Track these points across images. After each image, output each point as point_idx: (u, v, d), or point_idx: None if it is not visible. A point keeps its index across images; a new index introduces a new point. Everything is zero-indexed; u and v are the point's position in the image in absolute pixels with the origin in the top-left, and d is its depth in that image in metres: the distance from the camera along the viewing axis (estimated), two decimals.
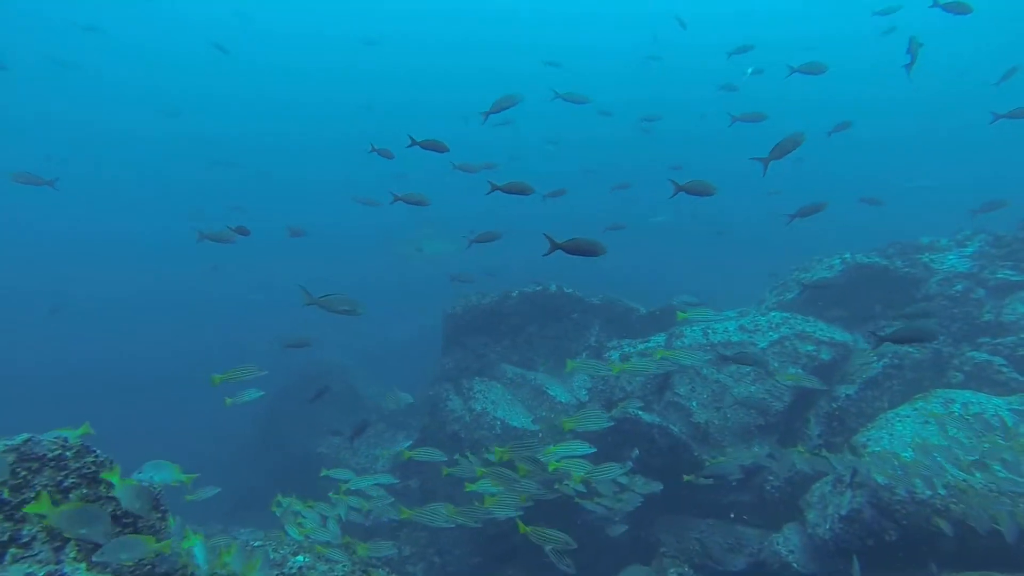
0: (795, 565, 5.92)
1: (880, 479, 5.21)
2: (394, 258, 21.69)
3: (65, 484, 2.98)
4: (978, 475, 4.91)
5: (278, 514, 5.16)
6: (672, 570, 6.35)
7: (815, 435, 6.80)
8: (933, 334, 5.07)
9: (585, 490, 5.54)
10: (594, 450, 5.20)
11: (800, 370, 7.02)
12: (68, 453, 3.08)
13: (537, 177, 5.83)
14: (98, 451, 3.27)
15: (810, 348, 7.31)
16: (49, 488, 2.91)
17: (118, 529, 3.01)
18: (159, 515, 3.35)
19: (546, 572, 5.63)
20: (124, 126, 33.39)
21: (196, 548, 3.07)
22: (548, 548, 4.60)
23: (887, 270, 8.30)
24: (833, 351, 7.32)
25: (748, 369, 7.09)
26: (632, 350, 8.36)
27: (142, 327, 24.07)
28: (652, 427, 6.93)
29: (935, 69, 28.00)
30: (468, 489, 5.29)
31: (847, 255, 8.63)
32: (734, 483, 6.51)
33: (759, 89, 15.77)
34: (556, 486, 5.57)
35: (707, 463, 6.40)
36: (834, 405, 6.84)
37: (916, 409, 5.92)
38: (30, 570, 2.57)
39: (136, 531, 3.08)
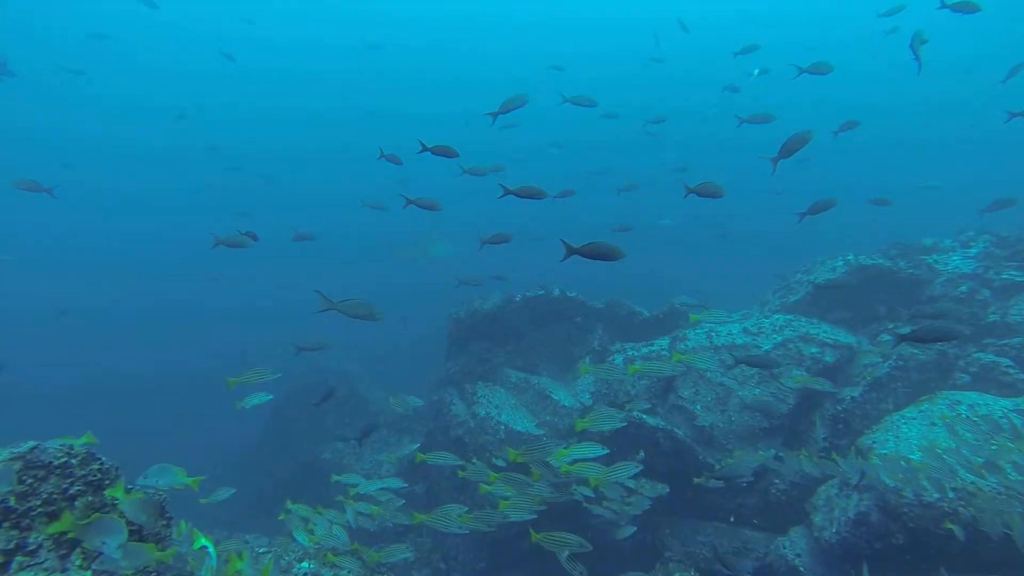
0: (802, 569, 5.89)
1: (887, 482, 5.18)
2: (398, 262, 21.71)
3: (71, 492, 3.00)
4: (988, 478, 4.88)
5: (286, 520, 5.16)
6: (677, 574, 6.33)
7: (821, 438, 6.76)
8: (956, 333, 5.01)
9: (593, 495, 5.52)
10: (607, 451, 5.18)
11: (804, 372, 7.00)
12: (74, 461, 3.10)
13: (540, 181, 5.83)
14: (103, 458, 3.28)
15: (814, 350, 7.28)
16: (55, 495, 2.92)
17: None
18: (164, 522, 3.36)
19: None
20: (130, 134, 33.63)
21: (210, 551, 3.07)
22: (564, 554, 4.58)
23: (891, 271, 8.27)
24: (837, 353, 7.29)
25: (752, 372, 7.07)
26: (636, 353, 8.35)
27: (146, 335, 24.16)
28: (656, 430, 6.91)
29: (940, 69, 27.95)
30: (483, 491, 5.27)
31: (850, 256, 8.60)
32: (744, 484, 6.48)
33: (762, 91, 15.78)
34: (573, 488, 5.56)
35: (716, 466, 6.38)
36: (839, 407, 6.81)
37: (922, 411, 5.89)
38: None
39: (141, 539, 3.09)
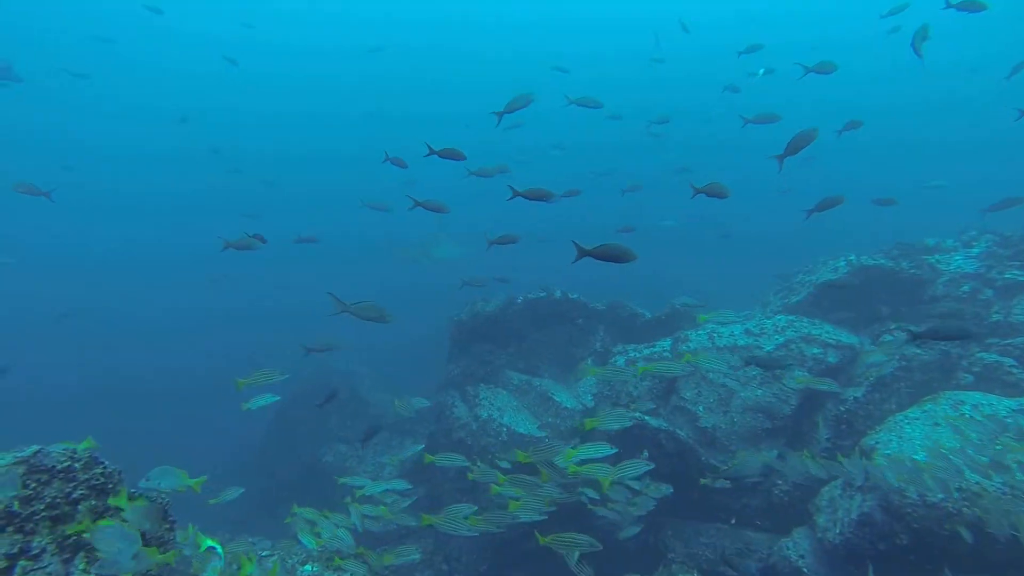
0: (805, 570, 5.87)
1: (891, 482, 5.16)
2: (400, 264, 21.73)
3: (74, 496, 3.00)
4: (994, 478, 4.86)
5: (291, 523, 5.17)
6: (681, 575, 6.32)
7: (824, 438, 6.75)
8: (971, 332, 4.98)
9: (598, 496, 5.51)
10: (615, 451, 5.18)
11: (806, 373, 6.99)
12: (77, 465, 3.10)
13: (543, 182, 5.83)
14: (106, 462, 3.29)
15: (816, 351, 7.27)
16: (58, 499, 2.92)
17: None
18: (167, 526, 3.36)
19: None
20: (133, 137, 33.74)
21: (218, 551, 3.06)
22: (575, 556, 4.56)
23: (893, 272, 8.26)
24: (839, 354, 7.28)
25: (755, 372, 7.06)
26: (637, 355, 8.34)
27: (149, 337, 24.19)
28: (659, 432, 6.90)
29: (944, 68, 27.91)
30: (494, 492, 5.27)
31: (852, 257, 8.59)
32: (754, 483, 6.47)
33: (763, 92, 15.76)
34: (580, 490, 5.55)
35: (719, 468, 6.37)
36: (842, 408, 6.80)
37: (925, 411, 5.87)
38: None
39: (145, 543, 3.09)
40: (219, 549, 3.20)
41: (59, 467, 3.05)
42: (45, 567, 2.68)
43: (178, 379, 19.72)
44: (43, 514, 2.82)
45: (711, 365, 6.21)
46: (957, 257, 8.36)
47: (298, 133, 35.39)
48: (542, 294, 9.22)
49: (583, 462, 5.17)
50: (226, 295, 26.02)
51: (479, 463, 5.84)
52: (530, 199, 5.40)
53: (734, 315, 8.34)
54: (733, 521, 6.63)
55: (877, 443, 5.73)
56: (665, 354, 8.09)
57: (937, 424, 5.64)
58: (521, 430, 7.53)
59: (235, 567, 3.75)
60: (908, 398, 6.70)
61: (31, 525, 2.77)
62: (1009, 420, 5.42)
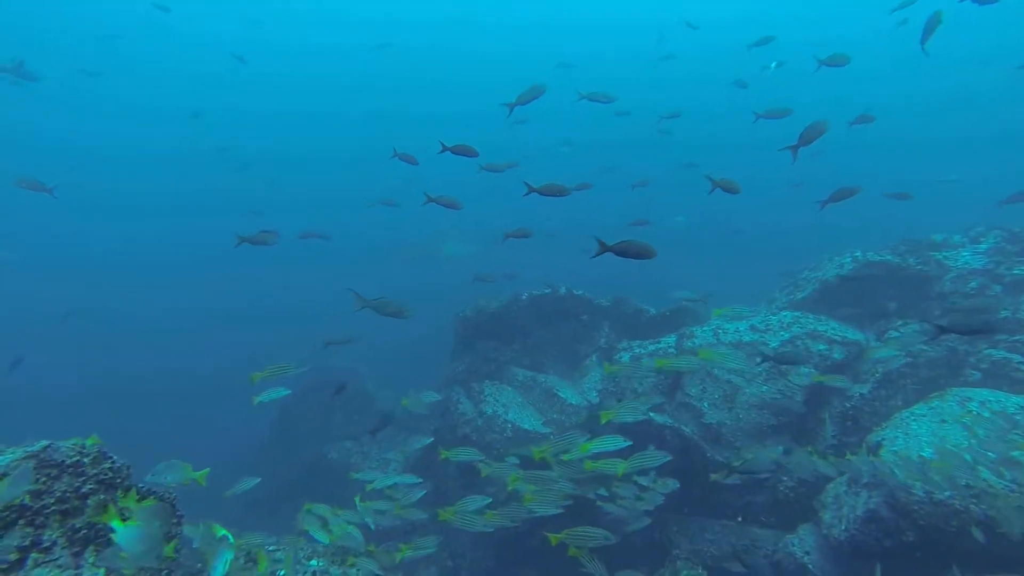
0: (810, 567, 5.86)
1: (897, 478, 5.15)
2: (405, 261, 21.76)
3: (83, 490, 3.02)
4: (1004, 475, 4.83)
5: (304, 520, 5.16)
6: (685, 572, 6.31)
7: (830, 435, 6.73)
8: (996, 325, 4.93)
9: (607, 493, 5.51)
10: (629, 443, 5.18)
11: (812, 369, 6.97)
12: (86, 459, 3.12)
13: (550, 179, 5.81)
14: (115, 457, 3.31)
15: (822, 347, 7.25)
16: (68, 493, 2.94)
17: None
18: (175, 520, 3.38)
19: (560, 573, 5.61)
20: (140, 136, 33.84)
21: (220, 560, 3.06)
22: (588, 549, 4.56)
23: (900, 268, 8.22)
24: (845, 350, 7.25)
25: (760, 369, 7.04)
26: (643, 351, 8.34)
27: (152, 337, 24.29)
28: (664, 428, 6.90)
29: (955, 62, 27.71)
30: (511, 487, 5.26)
31: (858, 253, 8.55)
32: (759, 480, 6.46)
33: (770, 88, 15.68)
34: (590, 487, 5.54)
35: (724, 464, 6.36)
36: (848, 404, 6.78)
37: (932, 408, 5.84)
38: (51, 574, 2.60)
39: None
40: (231, 539, 3.21)
41: (68, 462, 3.07)
42: (56, 560, 2.70)
43: (179, 379, 19.82)
44: (53, 508, 2.84)
45: (730, 363, 6.18)
46: (965, 253, 8.32)
47: (302, 132, 35.46)
48: (547, 290, 9.22)
49: (598, 455, 5.15)
50: (227, 295, 26.12)
51: (490, 461, 5.85)
52: (545, 195, 5.38)
53: (747, 310, 8.31)
54: (740, 519, 6.63)
55: (883, 440, 5.71)
56: (670, 350, 8.08)
57: (944, 421, 5.61)
58: (526, 426, 7.54)
59: (242, 560, 3.76)
60: (915, 395, 6.67)
61: (42, 519, 2.79)
62: (1018, 417, 5.39)
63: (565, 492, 5.11)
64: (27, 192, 7.96)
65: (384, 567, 4.85)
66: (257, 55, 26.78)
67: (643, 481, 5.73)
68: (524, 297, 9.16)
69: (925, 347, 7.00)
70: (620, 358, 8.43)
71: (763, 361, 6.60)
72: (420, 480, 6.04)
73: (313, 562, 5.10)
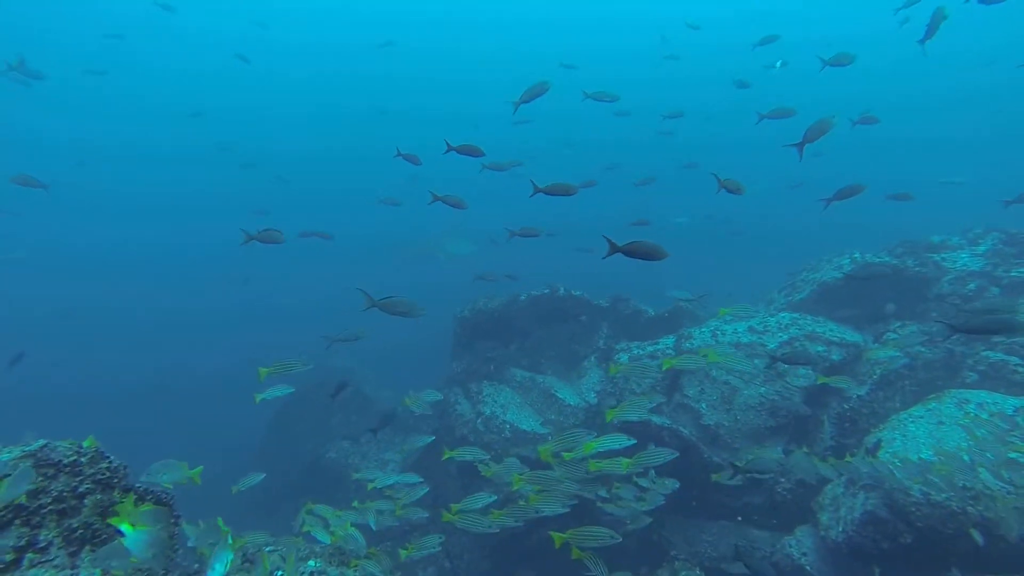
0: (808, 568, 5.87)
1: (894, 480, 5.15)
2: (404, 261, 21.76)
3: (80, 490, 3.01)
4: (1003, 475, 4.84)
5: (306, 521, 5.14)
6: (683, 573, 6.32)
7: (828, 436, 6.74)
8: (1013, 325, 4.88)
9: (608, 495, 5.50)
10: (634, 442, 5.16)
11: (810, 371, 6.98)
12: (83, 459, 3.11)
13: (551, 179, 5.79)
14: (112, 457, 3.30)
15: (820, 349, 7.25)
16: (65, 493, 2.94)
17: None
18: (174, 521, 3.37)
19: (557, 575, 5.61)
20: (143, 136, 33.82)
21: (219, 561, 3.03)
22: (590, 548, 4.53)
23: (898, 269, 8.23)
24: (843, 352, 7.26)
25: (759, 370, 7.05)
26: (641, 352, 8.33)
27: (152, 337, 24.27)
28: (662, 429, 6.91)
29: (958, 61, 27.69)
30: (515, 488, 5.23)
31: (857, 254, 8.56)
32: (757, 481, 6.46)
33: (773, 89, 15.68)
34: (591, 488, 5.51)
35: (739, 462, 6.34)
36: (846, 406, 6.78)
37: (930, 410, 5.85)
38: (47, 575, 2.60)
39: None
40: (231, 539, 3.21)
41: (65, 461, 3.06)
42: (52, 560, 2.70)
43: (178, 378, 19.81)
44: (50, 507, 2.84)
45: (739, 365, 6.18)
46: (963, 255, 8.33)
47: (305, 131, 35.47)
48: (545, 291, 9.22)
49: (602, 454, 5.13)
50: (228, 294, 26.10)
51: (491, 462, 5.83)
52: (552, 195, 5.35)
53: (753, 309, 8.32)
54: (739, 519, 6.63)
55: (881, 441, 5.72)
56: (668, 352, 8.08)
57: (942, 423, 5.62)
58: (524, 427, 7.53)
59: (239, 560, 3.75)
60: (913, 396, 6.68)
61: (38, 518, 2.78)
62: (1016, 419, 5.40)
63: (570, 492, 5.09)
64: (31, 193, 7.98)
65: (384, 569, 4.84)
66: (260, 54, 26.79)
67: (643, 482, 5.73)
68: (523, 298, 9.16)
69: (923, 349, 7.01)
70: (618, 359, 8.43)
71: (773, 362, 6.61)
72: (420, 480, 6.03)
73: (311, 563, 5.09)
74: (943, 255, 8.45)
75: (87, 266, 29.97)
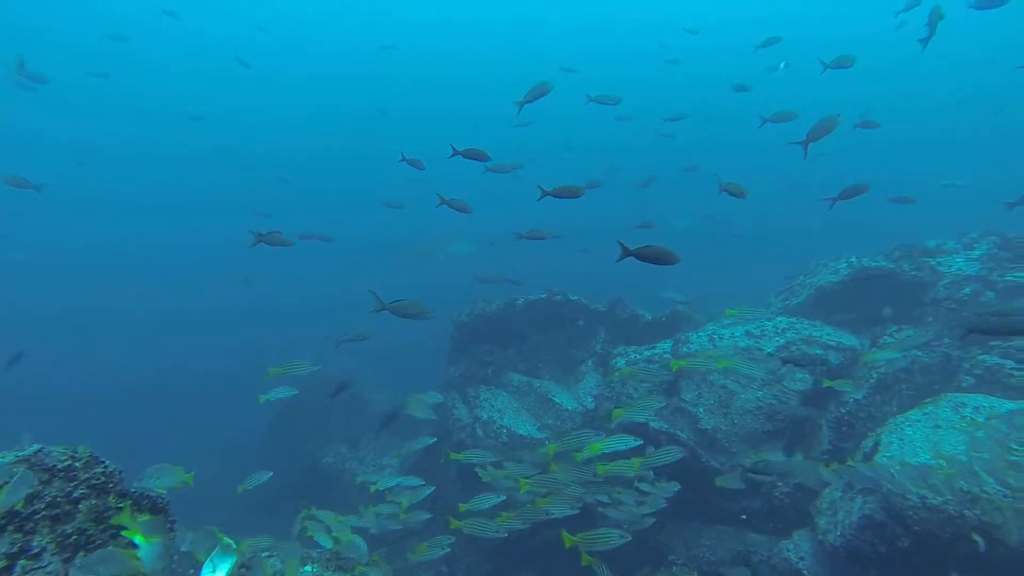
0: (806, 572, 5.86)
1: (892, 484, 5.15)
2: (404, 263, 21.77)
3: (75, 495, 3.01)
4: (1000, 479, 4.84)
5: (308, 525, 5.13)
6: None
7: (825, 440, 6.74)
8: None
9: (608, 499, 5.48)
10: (640, 442, 5.15)
11: (807, 375, 6.98)
12: (77, 464, 3.10)
13: (551, 182, 5.79)
14: (107, 462, 3.29)
15: (817, 353, 7.26)
16: (59, 499, 2.93)
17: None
18: (169, 526, 3.37)
19: None
20: (145, 138, 33.87)
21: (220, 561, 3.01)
22: (598, 555, 4.52)
23: (893, 274, 8.24)
24: (841, 355, 7.26)
25: (757, 374, 7.05)
26: (638, 356, 8.33)
27: (152, 338, 24.26)
28: (660, 434, 6.90)
29: (957, 64, 27.70)
30: (523, 490, 5.21)
31: (853, 259, 8.57)
32: (765, 482, 6.45)
33: (774, 91, 15.71)
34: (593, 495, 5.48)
35: (748, 461, 6.31)
36: (843, 410, 6.79)
37: (926, 413, 5.86)
38: None
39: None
40: (233, 544, 3.20)
41: (60, 466, 3.05)
42: (45, 566, 2.69)
43: (179, 380, 19.79)
44: (43, 513, 2.83)
45: (747, 370, 6.19)
46: (958, 259, 8.34)
47: (306, 133, 35.52)
48: (543, 295, 9.23)
49: (610, 455, 5.11)
50: (228, 295, 26.10)
51: (489, 467, 5.81)
52: (559, 197, 5.34)
53: (759, 311, 8.31)
54: (744, 517, 6.60)
55: (878, 445, 5.72)
56: (666, 356, 8.08)
57: (938, 426, 5.63)
58: (521, 431, 7.53)
59: (241, 566, 3.74)
60: (909, 400, 6.69)
61: (31, 524, 2.77)
62: (1013, 421, 5.40)
63: (577, 494, 5.07)
64: (30, 193, 8.00)
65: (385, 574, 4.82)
66: (261, 57, 26.87)
67: (643, 486, 5.72)
68: (520, 302, 9.17)
69: (919, 353, 7.02)
70: (616, 363, 8.43)
71: (784, 364, 6.63)
72: (423, 482, 6.01)
73: (308, 568, 5.08)
74: (939, 259, 8.46)
75: (87, 266, 29.99)
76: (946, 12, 6.64)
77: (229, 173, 29.75)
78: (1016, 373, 6.50)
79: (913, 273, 8.23)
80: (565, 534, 4.48)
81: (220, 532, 3.68)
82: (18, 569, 2.62)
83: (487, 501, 5.16)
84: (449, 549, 5.04)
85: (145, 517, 3.14)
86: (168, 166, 34.26)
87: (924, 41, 6.72)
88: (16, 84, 14.02)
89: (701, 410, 7.07)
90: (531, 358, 9.02)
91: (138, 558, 2.91)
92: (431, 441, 6.91)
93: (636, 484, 5.69)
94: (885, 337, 7.38)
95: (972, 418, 5.56)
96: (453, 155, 6.03)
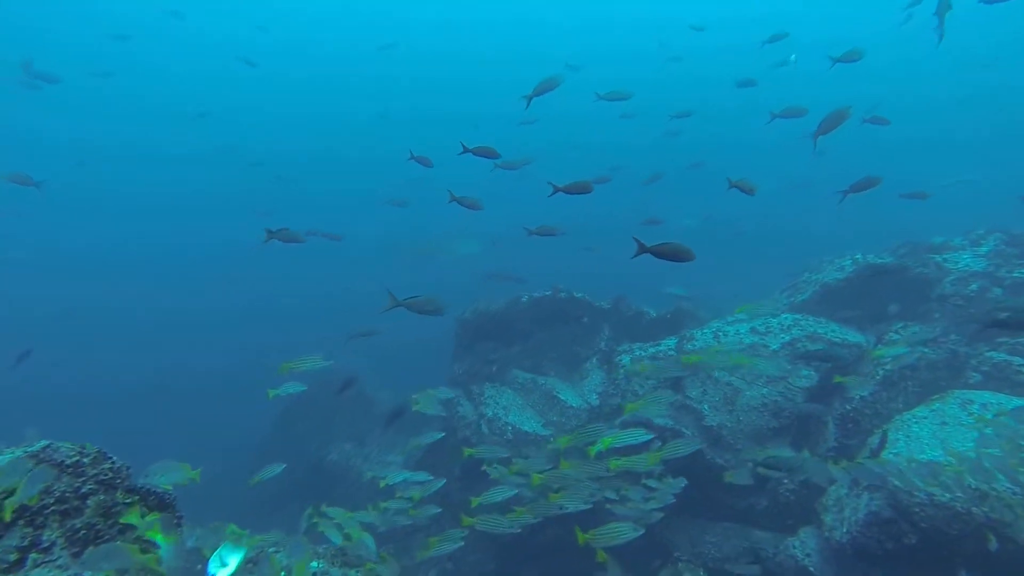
0: (812, 569, 5.85)
1: (898, 481, 5.13)
2: (406, 262, 21.78)
3: (83, 490, 3.01)
4: (1010, 476, 4.81)
5: (318, 522, 5.11)
6: (687, 574, 6.30)
7: (831, 437, 6.72)
8: None
9: (616, 496, 5.46)
10: (652, 436, 5.13)
11: (812, 372, 6.96)
12: (85, 460, 3.11)
13: (556, 181, 5.76)
14: (114, 458, 3.30)
15: (822, 349, 7.23)
16: (68, 494, 2.94)
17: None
18: (175, 521, 3.37)
19: None
20: (148, 136, 33.91)
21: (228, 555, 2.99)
22: (613, 547, 4.48)
23: (899, 270, 8.22)
24: (846, 352, 7.24)
25: (774, 371, 7.02)
26: (643, 353, 8.32)
27: (153, 338, 24.30)
28: (665, 431, 6.88)
29: (962, 61, 27.59)
30: (535, 484, 5.18)
31: (858, 255, 8.54)
32: (775, 478, 6.44)
33: (779, 89, 15.63)
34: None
35: (760, 455, 6.30)
36: (848, 407, 6.76)
37: (933, 410, 5.84)
38: (51, 575, 2.60)
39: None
40: (244, 539, 3.20)
41: (68, 462, 3.06)
42: (55, 560, 2.70)
43: (181, 380, 19.83)
44: (53, 508, 2.84)
45: (765, 369, 6.18)
46: (965, 255, 8.31)
47: (308, 133, 35.54)
48: (547, 292, 9.22)
49: (622, 449, 5.09)
50: (230, 295, 26.15)
51: (497, 464, 5.79)
52: (571, 193, 5.33)
53: (769, 306, 8.29)
54: (766, 503, 6.54)
55: (884, 442, 5.70)
56: (670, 353, 8.07)
57: (945, 423, 5.61)
58: (526, 428, 7.53)
59: (248, 561, 3.74)
60: (916, 397, 6.66)
61: (41, 519, 2.79)
62: (1020, 419, 5.38)
63: (592, 489, 5.04)
64: (32, 193, 8.02)
65: (394, 573, 4.81)
66: (263, 57, 26.86)
67: (650, 483, 5.70)
68: (524, 299, 9.16)
69: (926, 350, 7.00)
70: (620, 360, 8.42)
71: (803, 358, 6.63)
72: (431, 477, 5.99)
73: (313, 564, 5.08)
74: (945, 256, 8.43)
75: (88, 266, 30.05)
76: (954, 2, 6.59)
77: (230, 173, 29.77)
78: (1023, 369, 6.48)
79: (919, 270, 8.20)
80: (579, 531, 4.45)
81: (232, 525, 3.68)
82: (29, 562, 2.63)
83: (500, 494, 5.13)
84: (462, 543, 5.01)
85: (154, 515, 3.14)
86: (169, 166, 34.31)
87: (938, 31, 6.66)
88: (23, 83, 14.03)
89: (706, 407, 7.05)
90: (535, 355, 9.01)
91: (142, 553, 2.91)
92: (439, 436, 6.84)
93: (643, 480, 5.68)
94: (891, 334, 7.35)
95: (980, 415, 5.54)
96: (463, 152, 6.00)
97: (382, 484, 5.79)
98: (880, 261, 8.32)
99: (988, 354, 6.83)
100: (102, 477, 3.13)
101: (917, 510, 5.02)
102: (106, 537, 2.97)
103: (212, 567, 3.08)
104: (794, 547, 6.07)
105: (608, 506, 5.56)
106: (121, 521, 3.03)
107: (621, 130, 21.22)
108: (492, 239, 16.64)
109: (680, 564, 6.43)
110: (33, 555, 2.67)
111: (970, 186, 15.20)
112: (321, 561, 4.92)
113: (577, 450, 5.46)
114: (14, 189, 8.18)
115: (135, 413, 16.47)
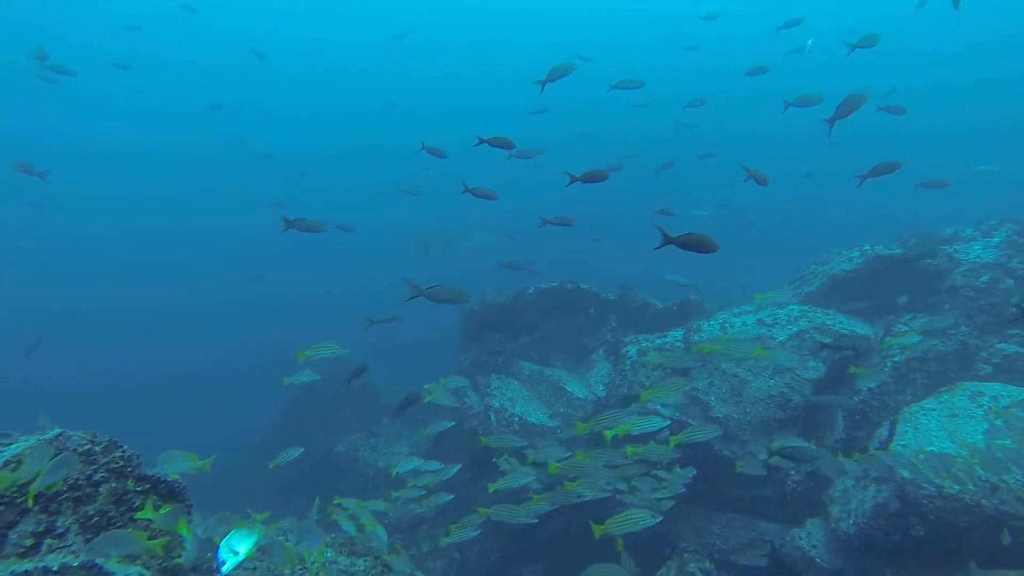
0: (818, 560, 5.85)
1: (906, 473, 5.11)
2: (415, 255, 21.79)
3: (95, 478, 3.07)
4: (1018, 468, 4.78)
5: (332, 511, 5.16)
6: (693, 565, 6.32)
7: (839, 429, 6.70)
8: None
9: (627, 487, 5.45)
10: (668, 423, 5.12)
11: (820, 363, 6.92)
12: (97, 448, 3.16)
13: (569, 169, 5.71)
14: (125, 446, 3.35)
15: (829, 341, 7.19)
16: (80, 481, 2.99)
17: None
18: (186, 510, 3.42)
19: (565, 568, 5.62)
20: (157, 132, 34.06)
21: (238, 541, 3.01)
22: (631, 533, 4.46)
23: (908, 260, 8.13)
24: (860, 342, 7.19)
25: (767, 362, 7.00)
26: (649, 345, 8.30)
27: (159, 334, 24.48)
28: (671, 422, 6.88)
29: (976, 49, 27.10)
30: (552, 472, 5.17)
31: (867, 247, 8.47)
32: (769, 473, 6.43)
33: (791, 79, 15.42)
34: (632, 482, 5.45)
35: (775, 445, 6.28)
36: (856, 399, 6.73)
37: (942, 402, 5.80)
38: (65, 559, 2.65)
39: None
40: (259, 524, 3.23)
41: (80, 450, 3.11)
42: (69, 546, 2.75)
43: (182, 376, 20.02)
44: (66, 495, 2.89)
45: (784, 361, 6.15)
46: (976, 247, 8.20)
47: (318, 127, 35.55)
48: (554, 284, 9.22)
49: (640, 435, 5.07)
50: (236, 292, 26.28)
51: (507, 456, 5.79)
52: (587, 182, 5.31)
53: (786, 295, 8.25)
54: (771, 493, 6.54)
55: (892, 434, 5.67)
56: (677, 344, 8.05)
57: (954, 415, 5.57)
58: (533, 420, 7.56)
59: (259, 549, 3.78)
60: (924, 389, 6.63)
61: (55, 505, 2.84)
62: None
63: (609, 477, 5.03)
64: (41, 187, 8.12)
65: (405, 564, 4.85)
66: (277, 51, 26.83)
67: (660, 473, 5.70)
68: (531, 291, 9.17)
69: (935, 341, 6.94)
70: (626, 352, 8.41)
71: (822, 348, 6.62)
72: (442, 466, 6.00)
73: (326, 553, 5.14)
74: (956, 247, 8.33)
75: (91, 264, 30.25)
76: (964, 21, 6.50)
77: (239, 169, 29.83)
78: None
79: (929, 261, 8.12)
80: (593, 524, 4.45)
81: (248, 510, 3.72)
82: (44, 547, 2.68)
83: (517, 480, 5.12)
84: (479, 531, 5.02)
85: (167, 508, 3.19)
86: (178, 162, 34.45)
87: (956, 2, 6.52)
88: (39, 76, 14.05)
89: (713, 399, 7.04)
90: (542, 347, 9.03)
91: (149, 539, 2.97)
92: (449, 425, 6.80)
93: (652, 472, 5.68)
94: (899, 325, 7.30)
95: (990, 407, 5.49)
96: (479, 144, 5.99)
97: (393, 472, 5.81)
98: (889, 252, 8.24)
99: (999, 346, 6.77)
100: (113, 465, 3.17)
101: (925, 502, 5.00)
102: (118, 524, 3.03)
103: (222, 554, 3.12)
104: (800, 538, 6.07)
105: (619, 496, 5.57)
106: (136, 518, 3.08)
107: (633, 120, 21.03)
108: (506, 232, 16.58)
109: (686, 555, 6.46)
110: (48, 540, 2.72)
111: (990, 176, 14.92)
112: (329, 550, 4.98)
113: (586, 439, 5.45)
114: (29, 181, 8.28)
115: (136, 412, 16.59)
